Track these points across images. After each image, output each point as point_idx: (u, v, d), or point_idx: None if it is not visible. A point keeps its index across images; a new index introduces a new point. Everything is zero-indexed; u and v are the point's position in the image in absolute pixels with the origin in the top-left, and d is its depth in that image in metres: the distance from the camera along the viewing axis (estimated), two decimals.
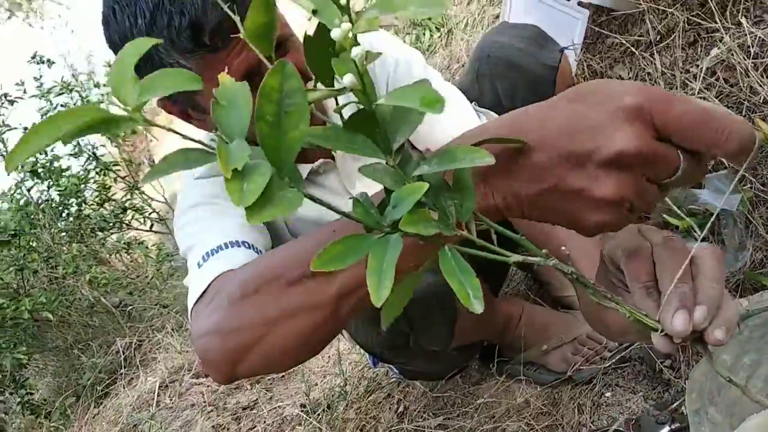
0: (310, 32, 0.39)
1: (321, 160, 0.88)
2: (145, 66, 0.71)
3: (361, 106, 0.39)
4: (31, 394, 3.08)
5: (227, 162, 0.33)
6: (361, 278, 0.36)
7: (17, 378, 3.05)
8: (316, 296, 0.48)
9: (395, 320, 0.60)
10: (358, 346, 1.65)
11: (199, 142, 0.36)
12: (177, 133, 0.37)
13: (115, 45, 0.74)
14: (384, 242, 0.37)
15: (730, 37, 1.07)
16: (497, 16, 1.94)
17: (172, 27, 0.67)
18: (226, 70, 0.41)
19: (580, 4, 1.30)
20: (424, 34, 2.41)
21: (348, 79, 0.37)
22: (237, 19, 0.41)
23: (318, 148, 0.82)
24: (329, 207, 0.42)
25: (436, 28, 2.33)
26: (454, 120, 0.85)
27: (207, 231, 0.74)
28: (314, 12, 0.37)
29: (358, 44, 0.36)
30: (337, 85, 0.40)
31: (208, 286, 0.64)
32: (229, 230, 0.74)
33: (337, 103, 0.43)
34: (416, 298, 0.71)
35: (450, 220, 0.40)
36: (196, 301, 0.64)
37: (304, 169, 0.88)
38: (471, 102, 0.90)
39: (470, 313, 0.88)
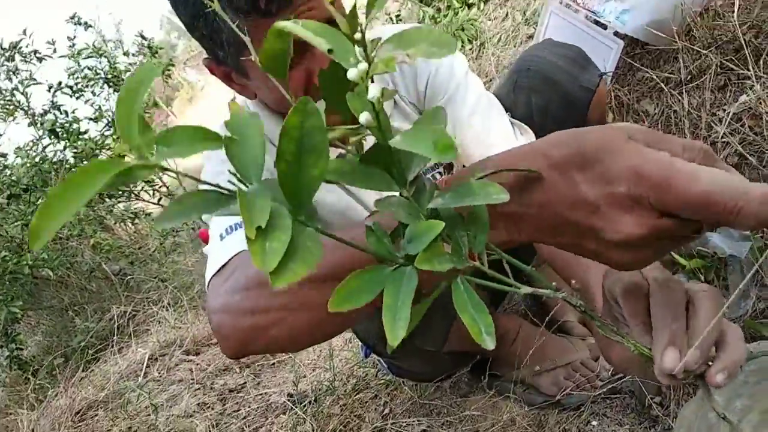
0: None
1: (351, 148, 0.88)
2: (197, 21, 0.73)
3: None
4: (21, 349, 3.09)
5: (251, 221, 0.32)
6: None
7: (9, 332, 3.05)
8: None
9: None
10: (350, 342, 1.66)
11: (217, 186, 0.35)
12: (193, 178, 0.37)
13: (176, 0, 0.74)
14: (399, 276, 0.38)
15: (760, 86, 1.08)
16: (531, 36, 1.95)
17: None
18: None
19: (616, 34, 1.31)
20: (456, 43, 2.42)
21: (364, 117, 0.38)
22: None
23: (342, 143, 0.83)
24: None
25: (469, 40, 2.34)
26: (487, 125, 0.86)
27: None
28: (329, 51, 0.37)
29: (373, 82, 0.37)
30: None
31: (228, 261, 0.65)
32: None
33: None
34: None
35: (463, 252, 0.41)
36: (215, 274, 0.65)
37: (333, 153, 0.87)
38: (505, 112, 0.91)
39: None
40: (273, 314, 0.52)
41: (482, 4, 2.61)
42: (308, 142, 0.36)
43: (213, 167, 0.82)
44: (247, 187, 0.34)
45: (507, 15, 2.30)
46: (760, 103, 1.05)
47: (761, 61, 1.11)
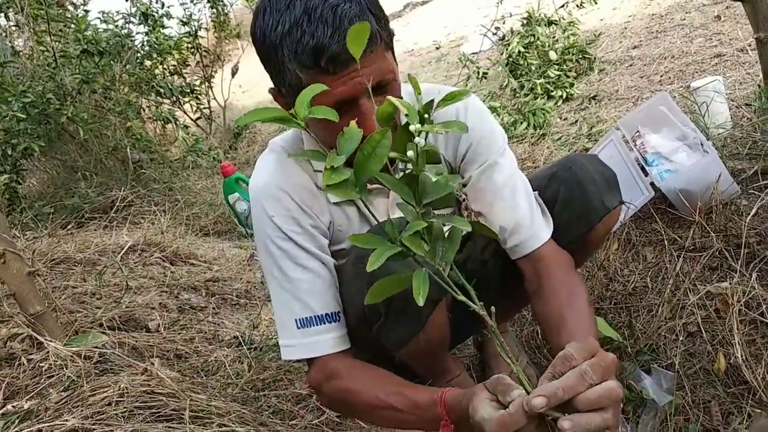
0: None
1: (378, 186, 1.07)
2: (268, 60, 0.89)
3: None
4: (19, 183, 3.21)
5: (331, 161, 0.62)
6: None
7: (17, 164, 3.17)
8: None
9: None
10: None
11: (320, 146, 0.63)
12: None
13: (255, 36, 0.90)
14: (390, 247, 0.65)
15: (742, 284, 1.24)
16: (587, 149, 2.13)
17: (301, 43, 0.82)
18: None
19: (652, 184, 1.48)
20: (521, 123, 2.60)
21: (410, 152, 0.64)
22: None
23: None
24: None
25: (534, 126, 2.52)
26: (515, 199, 1.04)
27: (301, 285, 1.02)
28: (406, 115, 0.64)
29: (420, 136, 0.64)
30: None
31: (318, 358, 1.01)
32: (327, 293, 1.03)
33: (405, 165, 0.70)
34: (406, 293, 0.92)
35: (435, 257, 0.66)
36: (311, 364, 1.03)
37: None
38: (535, 190, 1.08)
39: (430, 337, 1.06)
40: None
41: (561, 102, 2.80)
42: (379, 150, 0.63)
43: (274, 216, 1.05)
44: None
45: (576, 122, 2.49)
46: (734, 296, 1.22)
47: (752, 265, 1.28)
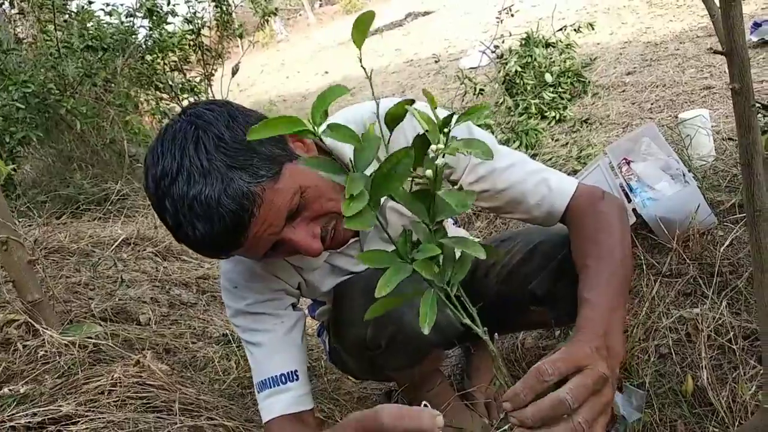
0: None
1: (351, 241, 1.07)
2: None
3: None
4: (15, 171, 3.22)
5: (350, 188, 0.58)
6: None
7: (13, 152, 3.19)
8: None
9: (383, 329, 0.97)
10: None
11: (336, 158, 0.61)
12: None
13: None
14: (402, 266, 0.63)
15: (713, 311, 1.31)
16: (576, 172, 2.20)
17: (189, 241, 0.81)
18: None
19: (634, 210, 1.55)
20: (514, 142, 2.67)
21: (428, 172, 0.63)
22: None
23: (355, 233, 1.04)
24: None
25: (527, 145, 2.59)
26: (512, 176, 1.02)
27: (258, 350, 1.05)
28: (426, 131, 0.63)
29: (443, 157, 0.63)
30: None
31: (270, 422, 1.01)
32: (276, 356, 1.04)
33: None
34: (410, 332, 1.00)
35: (444, 279, 0.66)
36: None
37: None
38: None
39: (424, 369, 1.16)
40: None
41: (554, 123, 2.88)
42: (399, 168, 0.61)
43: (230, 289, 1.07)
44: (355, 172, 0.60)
45: (567, 144, 2.56)
46: (704, 322, 1.28)
47: (723, 293, 1.34)
